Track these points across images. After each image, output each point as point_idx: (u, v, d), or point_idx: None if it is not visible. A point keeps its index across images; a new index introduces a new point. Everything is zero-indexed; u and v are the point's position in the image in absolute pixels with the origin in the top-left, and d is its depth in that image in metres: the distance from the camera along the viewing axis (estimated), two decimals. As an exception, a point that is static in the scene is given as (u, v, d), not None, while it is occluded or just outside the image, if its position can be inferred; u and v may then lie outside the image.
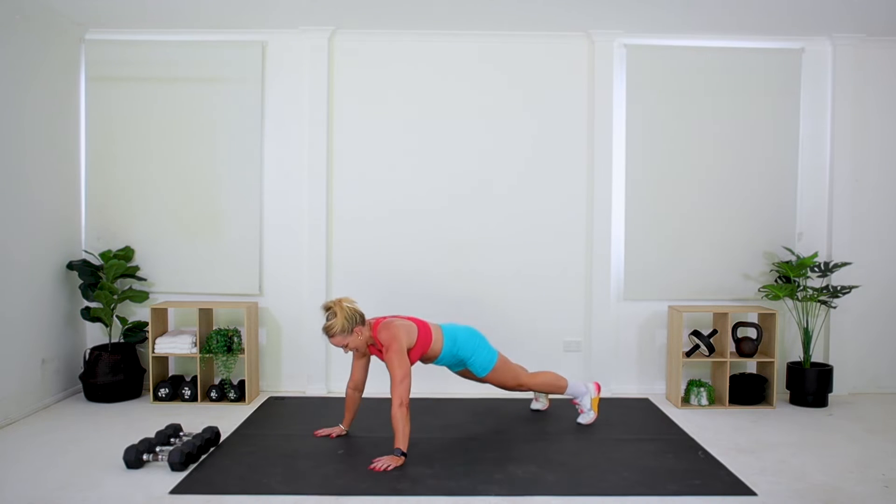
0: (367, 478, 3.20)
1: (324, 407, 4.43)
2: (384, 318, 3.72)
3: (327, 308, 3.54)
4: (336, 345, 3.54)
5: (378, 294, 4.84)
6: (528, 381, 3.97)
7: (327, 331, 3.50)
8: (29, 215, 4.28)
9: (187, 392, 4.52)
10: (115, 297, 4.60)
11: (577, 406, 4.10)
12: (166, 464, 3.31)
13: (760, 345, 4.62)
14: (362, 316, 3.58)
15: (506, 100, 4.86)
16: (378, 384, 4.71)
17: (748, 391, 4.54)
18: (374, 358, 3.84)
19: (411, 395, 3.45)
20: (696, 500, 3.00)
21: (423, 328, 3.71)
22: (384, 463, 3.31)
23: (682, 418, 4.26)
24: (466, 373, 3.99)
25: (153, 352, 4.54)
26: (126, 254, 4.77)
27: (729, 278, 4.88)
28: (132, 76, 4.83)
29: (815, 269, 4.64)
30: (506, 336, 4.86)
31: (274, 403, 4.53)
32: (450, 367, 3.96)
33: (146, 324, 4.69)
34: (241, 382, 4.62)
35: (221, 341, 4.52)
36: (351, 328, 3.50)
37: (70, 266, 4.62)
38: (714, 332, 4.69)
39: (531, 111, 4.86)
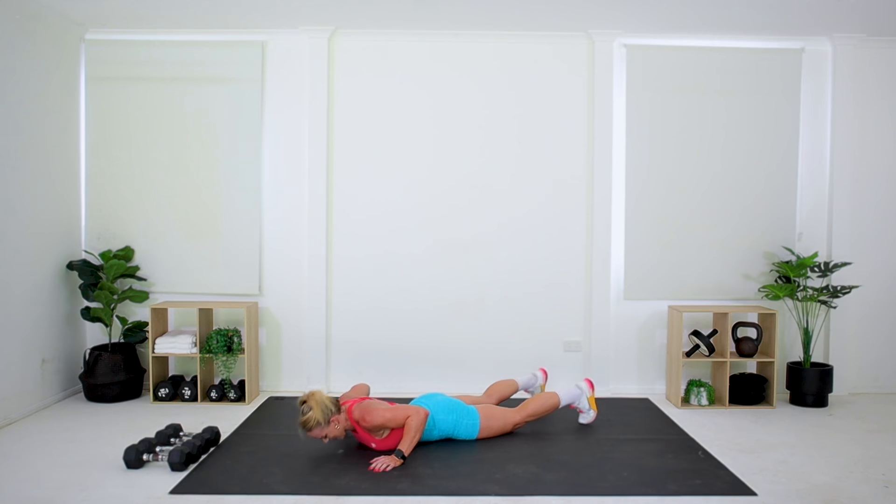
0: (367, 478, 3.20)
1: (324, 407, 4.42)
2: (352, 401, 3.64)
3: (302, 402, 3.44)
4: (315, 437, 3.46)
5: (377, 292, 4.85)
6: (520, 417, 3.85)
7: (304, 425, 3.41)
8: (29, 215, 4.28)
9: (187, 392, 4.53)
10: (115, 297, 4.60)
11: (575, 408, 4.09)
12: (166, 464, 3.32)
13: (760, 345, 4.62)
14: (337, 405, 3.51)
15: (506, 100, 4.85)
16: (380, 385, 4.72)
17: (748, 391, 4.54)
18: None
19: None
20: (696, 500, 3.00)
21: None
22: (383, 463, 3.31)
23: (682, 418, 4.26)
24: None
25: (153, 352, 4.54)
26: (126, 254, 4.77)
27: (729, 278, 4.88)
28: (132, 76, 4.83)
29: (815, 269, 4.64)
30: (506, 336, 4.88)
31: (274, 403, 4.53)
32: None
33: (146, 324, 4.69)
34: (241, 382, 4.63)
35: (221, 341, 4.52)
36: (327, 419, 3.42)
37: (70, 266, 4.62)
38: (714, 332, 4.69)
39: (531, 111, 4.86)
